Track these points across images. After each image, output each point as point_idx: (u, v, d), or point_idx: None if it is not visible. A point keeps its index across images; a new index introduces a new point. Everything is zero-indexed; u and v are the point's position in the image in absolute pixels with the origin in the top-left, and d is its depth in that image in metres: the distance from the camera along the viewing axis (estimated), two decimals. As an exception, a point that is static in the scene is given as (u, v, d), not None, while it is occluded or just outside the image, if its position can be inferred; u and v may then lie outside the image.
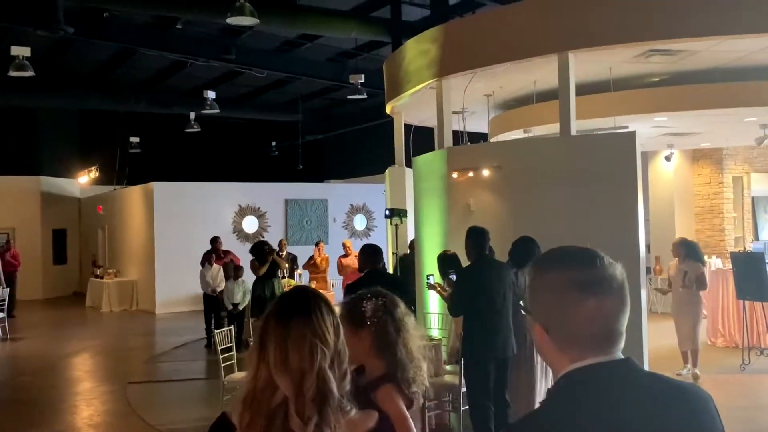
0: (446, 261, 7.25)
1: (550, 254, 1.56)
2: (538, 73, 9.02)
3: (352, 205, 20.64)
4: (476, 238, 6.14)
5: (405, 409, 2.50)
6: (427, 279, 7.48)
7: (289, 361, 1.76)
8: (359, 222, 20.73)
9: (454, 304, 6.21)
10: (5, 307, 14.43)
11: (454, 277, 6.77)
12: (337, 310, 2.04)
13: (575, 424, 1.39)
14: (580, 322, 1.44)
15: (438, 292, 7.16)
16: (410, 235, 10.72)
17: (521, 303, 6.14)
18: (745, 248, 13.22)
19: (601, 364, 1.45)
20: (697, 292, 8.84)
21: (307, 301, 1.86)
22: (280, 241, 14.33)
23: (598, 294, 1.44)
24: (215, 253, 13.37)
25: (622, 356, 1.49)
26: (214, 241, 13.77)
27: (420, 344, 2.65)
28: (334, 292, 13.64)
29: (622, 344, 1.49)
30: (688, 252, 8.95)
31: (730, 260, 11.58)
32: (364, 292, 2.70)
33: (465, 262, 7.06)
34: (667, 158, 14.31)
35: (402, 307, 2.68)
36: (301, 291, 1.96)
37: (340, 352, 1.83)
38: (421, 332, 2.72)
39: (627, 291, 1.49)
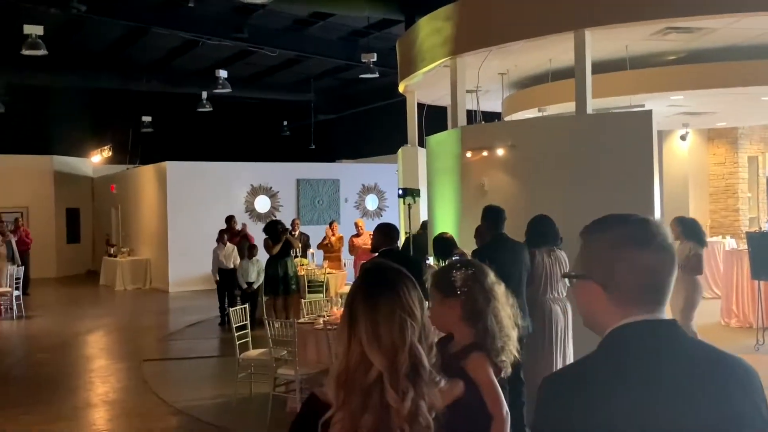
0: (442, 244, 7.21)
1: (602, 218, 1.65)
2: (553, 51, 8.94)
3: (363, 185, 20.62)
4: (493, 217, 6.11)
5: (494, 378, 2.55)
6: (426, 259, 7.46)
7: (381, 337, 1.79)
8: (371, 202, 20.72)
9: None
10: (20, 285, 14.54)
11: (430, 261, 6.73)
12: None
13: (617, 375, 1.47)
14: (636, 274, 1.54)
15: None
16: (423, 215, 10.71)
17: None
18: (760, 228, 13.13)
19: (650, 321, 1.54)
20: (692, 276, 7.73)
21: (392, 276, 1.89)
22: (293, 221, 14.33)
23: (654, 248, 1.55)
24: (230, 231, 13.41)
25: (668, 317, 1.57)
26: (229, 219, 13.82)
27: (509, 313, 2.68)
28: (347, 272, 13.67)
29: (667, 303, 1.58)
30: (685, 231, 7.92)
31: (745, 240, 11.53)
32: (454, 262, 2.78)
33: (469, 242, 7.04)
34: (683, 137, 14.20)
35: (491, 276, 2.72)
36: (384, 267, 1.97)
37: (426, 325, 1.86)
38: (510, 302, 2.74)
39: (675, 253, 1.60)
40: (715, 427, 1.44)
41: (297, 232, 13.66)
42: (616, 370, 1.49)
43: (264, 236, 11.31)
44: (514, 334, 2.69)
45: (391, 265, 1.98)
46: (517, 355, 2.69)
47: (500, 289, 2.71)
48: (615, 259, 1.56)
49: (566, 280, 6.37)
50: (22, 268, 15.05)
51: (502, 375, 2.65)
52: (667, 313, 1.61)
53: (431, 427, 1.78)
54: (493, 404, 2.45)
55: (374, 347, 1.79)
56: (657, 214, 7.33)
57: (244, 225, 14.80)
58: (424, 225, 10.26)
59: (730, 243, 12.40)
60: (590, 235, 1.64)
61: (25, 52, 11.96)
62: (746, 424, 1.47)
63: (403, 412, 1.76)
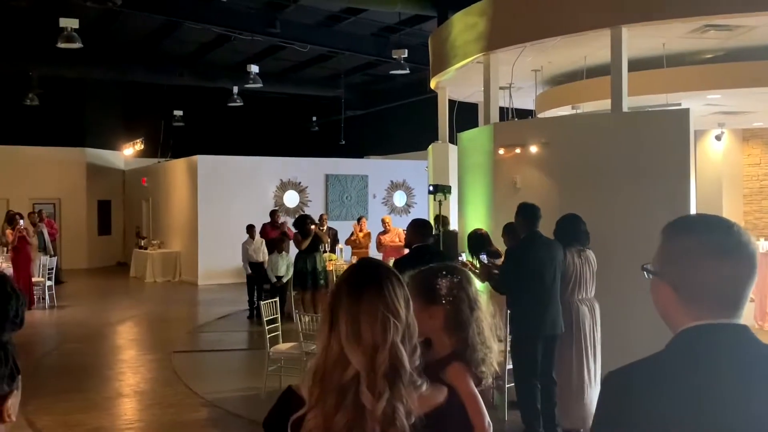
0: (477, 240, 7.16)
1: (687, 219, 1.64)
2: (588, 47, 8.84)
3: (392, 181, 20.60)
4: (527, 214, 6.06)
5: (475, 388, 2.45)
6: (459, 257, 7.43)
7: (361, 335, 1.73)
8: (399, 198, 20.70)
9: (503, 281, 6.15)
10: (53, 275, 14.74)
11: (485, 257, 6.68)
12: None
13: (684, 376, 1.47)
14: (712, 283, 1.52)
15: (470, 270, 7.11)
16: (452, 212, 10.66)
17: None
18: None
19: (722, 324, 1.52)
20: None
21: (378, 273, 1.82)
22: (321, 216, 14.36)
23: (734, 258, 1.52)
24: (274, 225, 13.48)
25: (741, 323, 1.55)
26: (273, 214, 13.99)
27: (490, 324, 2.56)
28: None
29: (743, 311, 1.55)
30: None
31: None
32: (438, 267, 2.60)
33: (501, 239, 6.99)
34: (718, 137, 13.99)
35: (476, 284, 2.60)
36: (371, 263, 1.91)
37: (410, 326, 1.79)
38: (492, 311, 2.62)
39: (757, 260, 1.56)
40: None
41: (325, 227, 13.67)
42: (682, 371, 1.48)
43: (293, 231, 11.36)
44: (495, 346, 2.58)
45: (378, 261, 1.92)
46: (497, 368, 2.58)
47: (484, 298, 2.60)
48: (691, 265, 1.54)
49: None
50: (55, 259, 15.25)
51: (482, 385, 2.57)
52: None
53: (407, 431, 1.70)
54: (475, 415, 2.34)
55: (353, 345, 1.72)
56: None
57: (284, 222, 14.76)
58: (445, 221, 10.23)
59: (763, 245, 12.18)
60: (671, 235, 1.60)
61: (61, 45, 12.10)
62: None
63: (377, 413, 1.69)
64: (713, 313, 1.53)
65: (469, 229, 9.04)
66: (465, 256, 7.34)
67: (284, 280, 12.03)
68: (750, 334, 1.54)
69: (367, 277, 1.82)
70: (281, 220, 14.27)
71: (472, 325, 2.50)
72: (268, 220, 13.84)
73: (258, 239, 13.03)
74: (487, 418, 2.48)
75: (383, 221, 13.83)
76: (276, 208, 14.52)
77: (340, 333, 1.74)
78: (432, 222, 10.23)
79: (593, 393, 6.09)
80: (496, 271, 6.37)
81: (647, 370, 1.53)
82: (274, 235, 13.10)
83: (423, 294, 2.48)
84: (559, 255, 5.98)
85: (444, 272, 2.56)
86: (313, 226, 11.38)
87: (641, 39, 8.12)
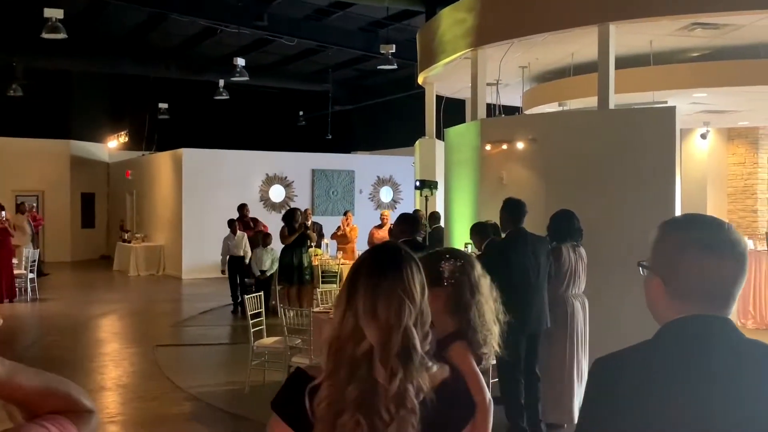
0: (482, 229, 7.10)
1: (681, 217, 1.72)
2: (576, 44, 8.84)
3: (378, 176, 20.58)
4: (512, 210, 6.04)
5: (476, 366, 2.53)
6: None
7: (377, 313, 1.78)
8: (385, 194, 20.68)
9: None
10: (36, 267, 14.61)
11: (469, 249, 6.67)
12: None
13: (665, 366, 1.51)
14: (702, 279, 1.56)
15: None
16: (439, 208, 10.65)
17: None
18: (780, 229, 12.99)
19: (705, 316, 1.55)
20: None
21: (400, 257, 1.87)
22: (305, 210, 14.25)
23: (720, 255, 1.56)
24: (242, 220, 13.39)
25: (725, 317, 1.58)
26: (242, 208, 13.79)
27: (492, 308, 2.64)
28: (361, 263, 13.59)
29: (732, 308, 1.59)
30: None
31: (763, 241, 11.40)
32: (442, 251, 2.72)
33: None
34: (703, 136, 14.05)
35: (478, 269, 2.68)
36: (393, 247, 1.96)
37: (424, 311, 1.84)
38: (494, 295, 2.71)
39: (747, 259, 1.59)
40: (765, 423, 1.45)
41: (309, 222, 13.60)
42: (669, 358, 1.52)
43: (282, 224, 11.27)
44: (495, 329, 2.65)
45: (401, 246, 1.96)
46: (498, 349, 2.66)
47: (486, 282, 2.69)
48: (680, 260, 1.58)
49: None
50: (38, 251, 15.12)
51: (483, 365, 2.64)
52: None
53: (417, 412, 1.75)
54: (476, 392, 2.44)
55: (369, 320, 1.77)
56: (677, 213, 7.24)
57: (256, 219, 14.58)
58: (432, 217, 10.23)
59: (749, 244, 12.27)
60: (664, 231, 1.65)
61: (45, 35, 11.95)
62: None
63: (391, 391, 1.74)
64: (701, 309, 1.56)
65: (456, 224, 9.04)
66: (470, 249, 7.33)
67: (268, 274, 11.97)
68: (734, 326, 1.57)
69: (389, 258, 1.87)
70: (251, 215, 14.09)
71: (473, 308, 2.58)
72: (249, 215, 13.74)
73: (239, 234, 12.94)
74: (488, 395, 2.56)
75: (382, 215, 13.72)
76: (244, 203, 14.25)
77: (357, 308, 1.79)
78: (427, 219, 10.25)
79: (582, 388, 6.10)
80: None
81: (635, 357, 1.57)
82: (248, 234, 13.04)
83: (427, 276, 2.55)
84: (544, 251, 5.98)
85: (448, 256, 2.67)
86: (303, 222, 11.29)
87: (628, 36, 8.13)
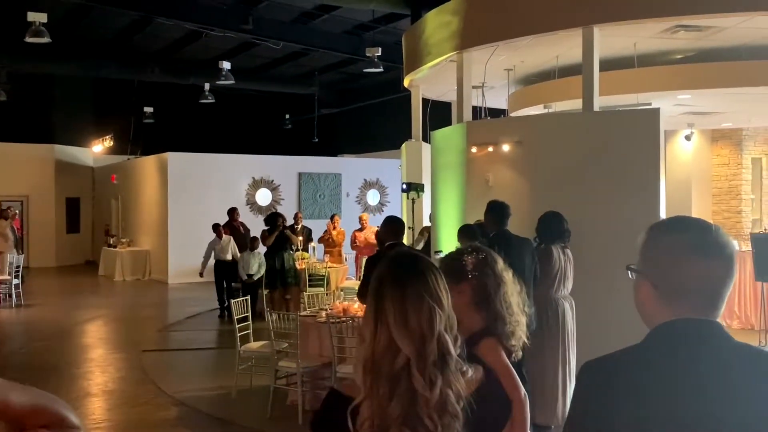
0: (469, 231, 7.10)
1: (669, 219, 1.71)
2: (560, 47, 8.88)
3: (365, 179, 20.58)
4: (497, 212, 6.06)
5: (508, 362, 2.53)
6: (436, 254, 7.42)
7: (409, 323, 1.77)
8: (372, 197, 20.67)
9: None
10: (20, 273, 14.49)
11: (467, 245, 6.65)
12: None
13: (654, 369, 1.51)
14: (691, 281, 1.56)
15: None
16: (426, 211, 10.66)
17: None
18: (765, 230, 13.09)
19: (694, 320, 1.55)
20: None
21: (420, 265, 1.88)
22: (296, 214, 14.23)
23: (713, 258, 1.56)
24: (231, 225, 13.34)
25: (714, 320, 1.58)
26: (232, 212, 13.74)
27: (518, 300, 2.66)
28: (348, 266, 13.62)
29: (721, 310, 1.60)
30: None
31: (747, 242, 11.47)
32: (465, 247, 2.77)
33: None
34: (687, 137, 14.14)
35: (501, 262, 2.70)
36: (411, 255, 1.97)
37: (450, 315, 1.85)
38: (519, 289, 2.73)
39: (735, 261, 1.60)
40: (753, 425, 1.46)
41: (300, 226, 13.56)
42: (659, 361, 1.52)
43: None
44: (523, 320, 2.68)
45: (416, 253, 1.98)
46: (526, 340, 2.68)
47: (509, 276, 2.70)
48: (670, 263, 1.59)
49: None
50: (22, 257, 15.01)
51: (513, 358, 2.64)
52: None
53: (459, 417, 1.76)
54: (511, 388, 2.45)
55: (402, 331, 1.77)
56: (663, 213, 7.29)
57: (244, 225, 14.53)
58: (423, 230, 10.25)
59: (735, 246, 12.35)
60: (652, 234, 1.66)
61: (29, 39, 11.87)
62: None
63: (432, 400, 1.74)
64: (691, 311, 1.56)
65: (442, 226, 9.04)
66: (442, 254, 7.32)
67: (255, 278, 11.94)
68: (723, 329, 1.59)
69: (410, 267, 1.87)
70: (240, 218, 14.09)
71: (499, 299, 2.60)
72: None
73: (225, 238, 12.89)
74: (523, 390, 2.57)
75: (360, 219, 13.77)
76: (234, 207, 14.23)
77: (389, 322, 1.78)
78: (423, 230, 10.27)
79: (571, 389, 6.12)
80: None
81: (624, 360, 1.57)
82: (227, 234, 13.02)
83: (450, 273, 2.56)
84: (529, 252, 5.99)
85: (470, 250, 2.71)
86: (282, 224, 11.26)
87: (612, 39, 8.18)
